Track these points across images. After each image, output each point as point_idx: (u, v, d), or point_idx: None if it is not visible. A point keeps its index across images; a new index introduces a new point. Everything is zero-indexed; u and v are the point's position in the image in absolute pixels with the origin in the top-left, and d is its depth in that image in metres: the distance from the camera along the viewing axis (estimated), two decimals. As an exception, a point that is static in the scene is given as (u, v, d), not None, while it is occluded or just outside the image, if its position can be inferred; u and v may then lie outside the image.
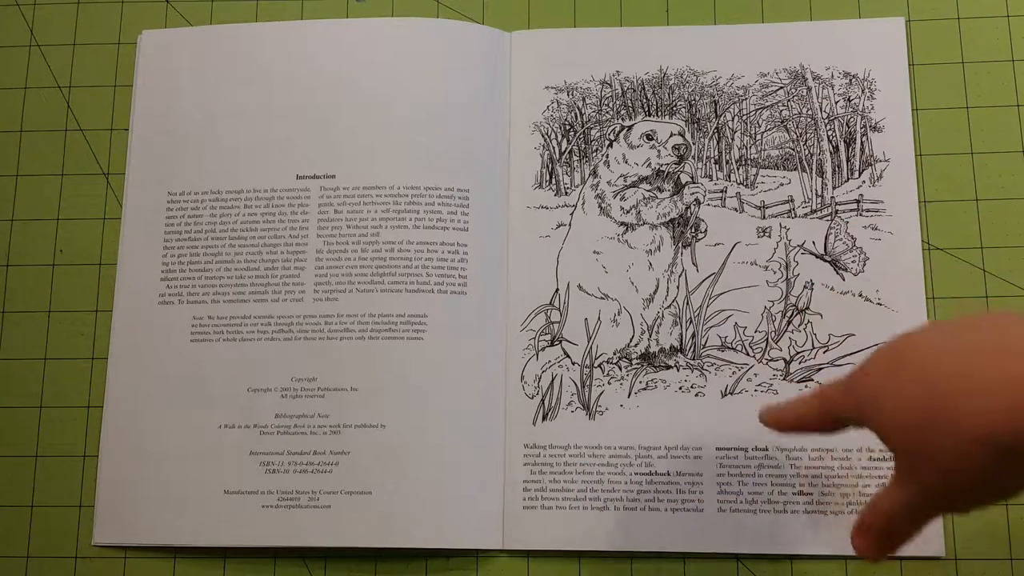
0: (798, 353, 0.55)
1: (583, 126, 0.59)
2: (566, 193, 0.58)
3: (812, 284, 0.56)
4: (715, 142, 0.59)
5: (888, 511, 0.39)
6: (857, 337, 0.55)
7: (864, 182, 0.57)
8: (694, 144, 0.59)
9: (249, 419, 0.56)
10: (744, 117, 0.59)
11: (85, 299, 0.59)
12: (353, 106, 0.59)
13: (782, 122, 0.59)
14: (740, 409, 0.55)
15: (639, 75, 0.60)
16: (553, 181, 0.59)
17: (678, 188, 0.58)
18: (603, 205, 0.58)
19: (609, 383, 0.56)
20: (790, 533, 0.53)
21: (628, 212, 0.58)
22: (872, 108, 0.58)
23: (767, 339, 0.56)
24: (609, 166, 0.59)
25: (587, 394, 0.56)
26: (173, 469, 0.56)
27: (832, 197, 0.57)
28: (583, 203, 0.58)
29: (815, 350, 0.55)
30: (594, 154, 0.59)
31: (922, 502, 0.38)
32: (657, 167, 0.58)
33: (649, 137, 0.59)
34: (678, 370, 0.56)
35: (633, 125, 0.59)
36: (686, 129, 0.59)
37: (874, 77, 0.58)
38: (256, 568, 0.55)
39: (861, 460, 0.53)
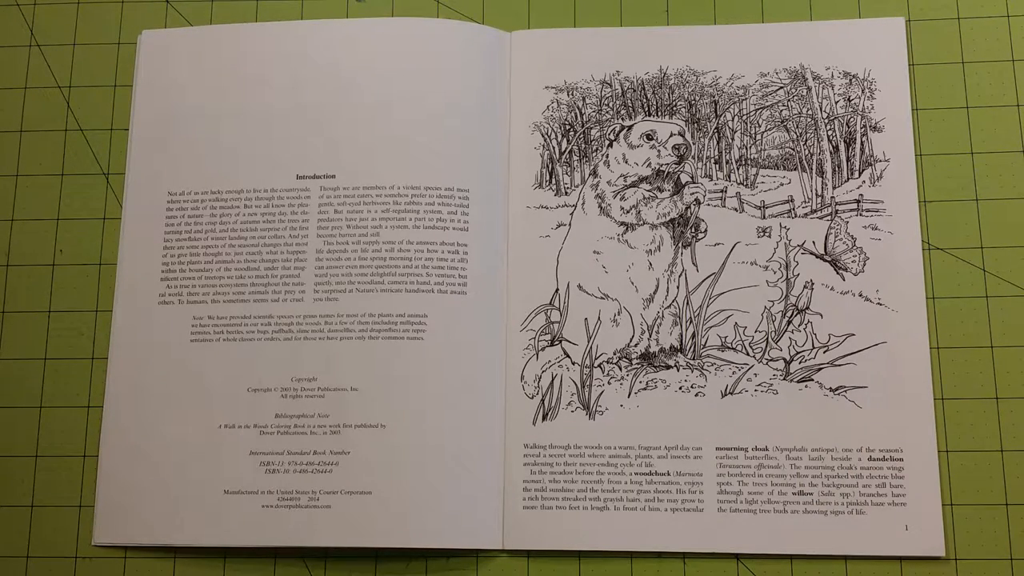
0: (798, 353, 0.55)
1: (583, 126, 0.59)
2: (566, 193, 0.58)
3: (812, 284, 0.56)
4: (715, 142, 0.59)
5: None
6: (857, 337, 0.55)
7: (864, 182, 0.57)
8: (694, 144, 0.59)
9: (249, 419, 0.56)
10: (744, 117, 0.59)
11: (85, 299, 0.59)
12: (353, 106, 0.59)
13: (782, 122, 0.59)
14: (740, 409, 0.55)
15: (639, 75, 0.60)
16: (553, 181, 0.59)
17: (678, 188, 0.58)
18: (603, 205, 0.58)
19: (609, 383, 0.56)
20: (790, 533, 0.53)
21: (628, 212, 0.58)
22: (872, 108, 0.58)
23: (767, 339, 0.56)
24: (609, 166, 0.59)
25: (587, 394, 0.56)
26: (173, 469, 0.56)
27: (832, 197, 0.57)
28: (583, 203, 0.58)
29: (815, 350, 0.55)
30: (594, 154, 0.59)
31: None
32: (657, 167, 0.58)
33: (649, 137, 0.59)
34: (678, 370, 0.56)
35: (633, 125, 0.59)
36: (686, 129, 0.59)
37: (874, 77, 0.58)
38: (256, 568, 0.56)
39: (861, 460, 0.53)
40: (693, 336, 0.56)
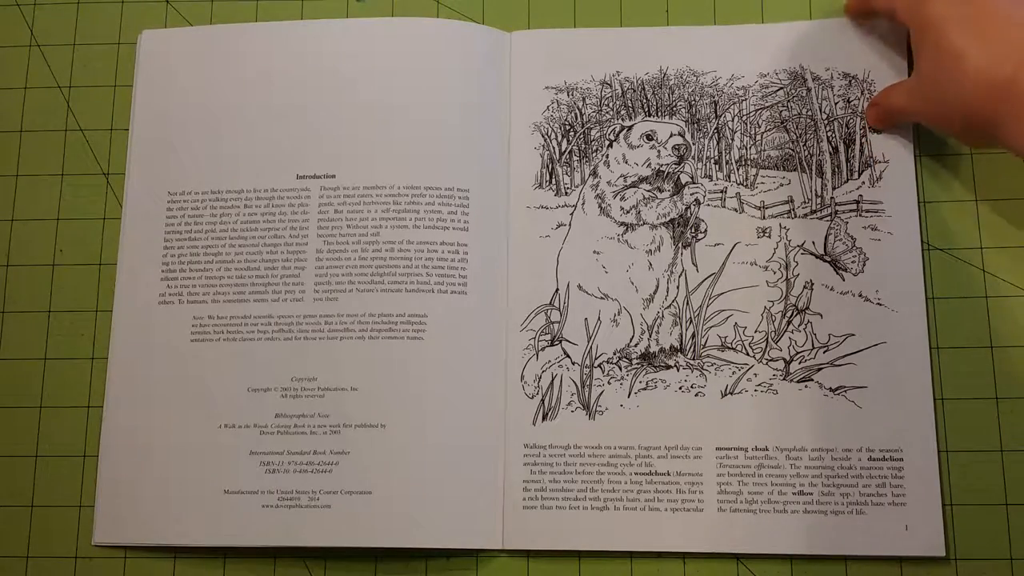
0: (798, 353, 0.55)
1: (583, 126, 0.59)
2: (566, 193, 0.58)
3: (812, 284, 0.56)
4: (715, 142, 0.59)
5: (896, 105, 0.55)
6: (857, 337, 0.55)
7: (863, 183, 0.57)
8: (694, 144, 0.59)
9: (249, 419, 0.56)
10: (744, 118, 0.59)
11: (85, 299, 0.59)
12: (353, 106, 0.59)
13: (782, 123, 0.59)
14: (740, 409, 0.55)
15: (639, 75, 0.60)
16: (553, 181, 0.59)
17: (678, 188, 0.58)
18: (603, 205, 0.58)
19: (609, 383, 0.56)
20: (790, 533, 0.53)
21: (628, 212, 0.58)
22: (872, 108, 0.58)
23: (767, 339, 0.56)
24: (609, 166, 0.59)
25: (587, 394, 0.56)
26: (173, 469, 0.56)
27: (832, 198, 0.57)
28: (583, 203, 0.58)
29: (815, 350, 0.55)
30: (594, 154, 0.59)
31: (921, 112, 0.54)
32: (657, 167, 0.58)
33: (649, 137, 0.59)
34: (678, 370, 0.56)
35: (633, 125, 0.59)
36: (686, 129, 0.59)
37: (873, 79, 0.58)
38: (256, 568, 0.55)
39: (861, 460, 0.53)
40: (693, 336, 0.56)
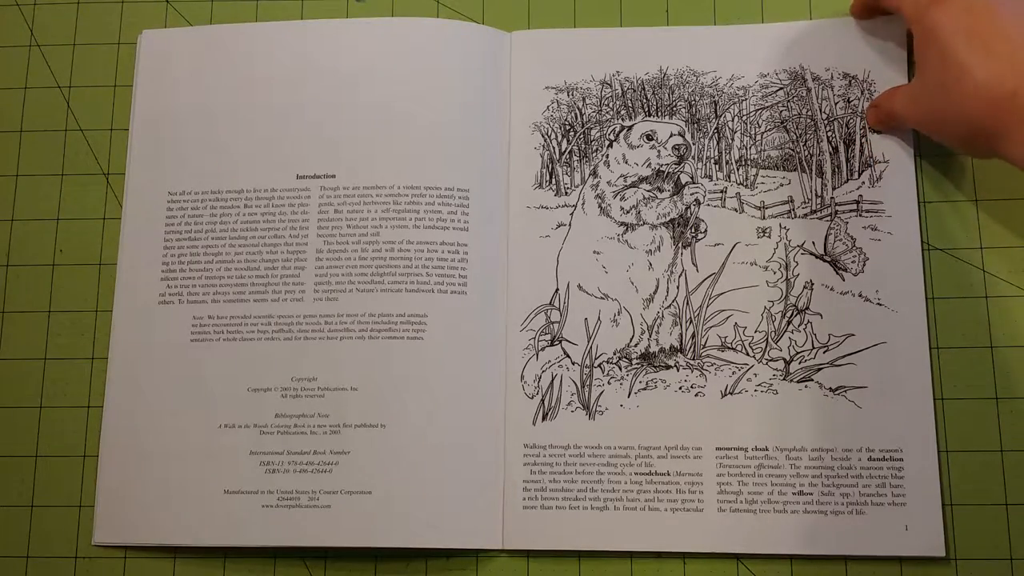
0: (798, 353, 0.55)
1: (583, 126, 0.59)
2: (566, 193, 0.58)
3: (812, 284, 0.56)
4: (715, 142, 0.59)
5: (897, 111, 0.55)
6: (857, 337, 0.55)
7: (863, 183, 0.57)
8: (694, 144, 0.59)
9: (249, 419, 0.56)
10: (744, 117, 0.59)
11: (85, 299, 0.59)
12: (353, 106, 0.59)
13: (782, 123, 0.59)
14: (740, 409, 0.55)
15: (639, 75, 0.60)
16: (553, 181, 0.59)
17: (678, 188, 0.58)
18: (603, 205, 0.58)
19: (609, 383, 0.56)
20: (790, 533, 0.53)
21: (628, 212, 0.58)
22: (872, 108, 0.58)
23: (767, 339, 0.56)
24: (609, 166, 0.59)
25: (587, 394, 0.56)
26: (173, 469, 0.56)
27: (832, 198, 0.57)
28: (583, 203, 0.58)
29: (815, 350, 0.55)
30: (594, 154, 0.59)
31: (922, 121, 0.54)
32: (657, 167, 0.58)
33: (649, 137, 0.59)
34: (678, 370, 0.56)
35: (633, 125, 0.59)
36: (686, 129, 0.59)
37: (873, 79, 0.58)
38: (256, 568, 0.55)
39: (861, 460, 0.53)
40: (693, 336, 0.56)
